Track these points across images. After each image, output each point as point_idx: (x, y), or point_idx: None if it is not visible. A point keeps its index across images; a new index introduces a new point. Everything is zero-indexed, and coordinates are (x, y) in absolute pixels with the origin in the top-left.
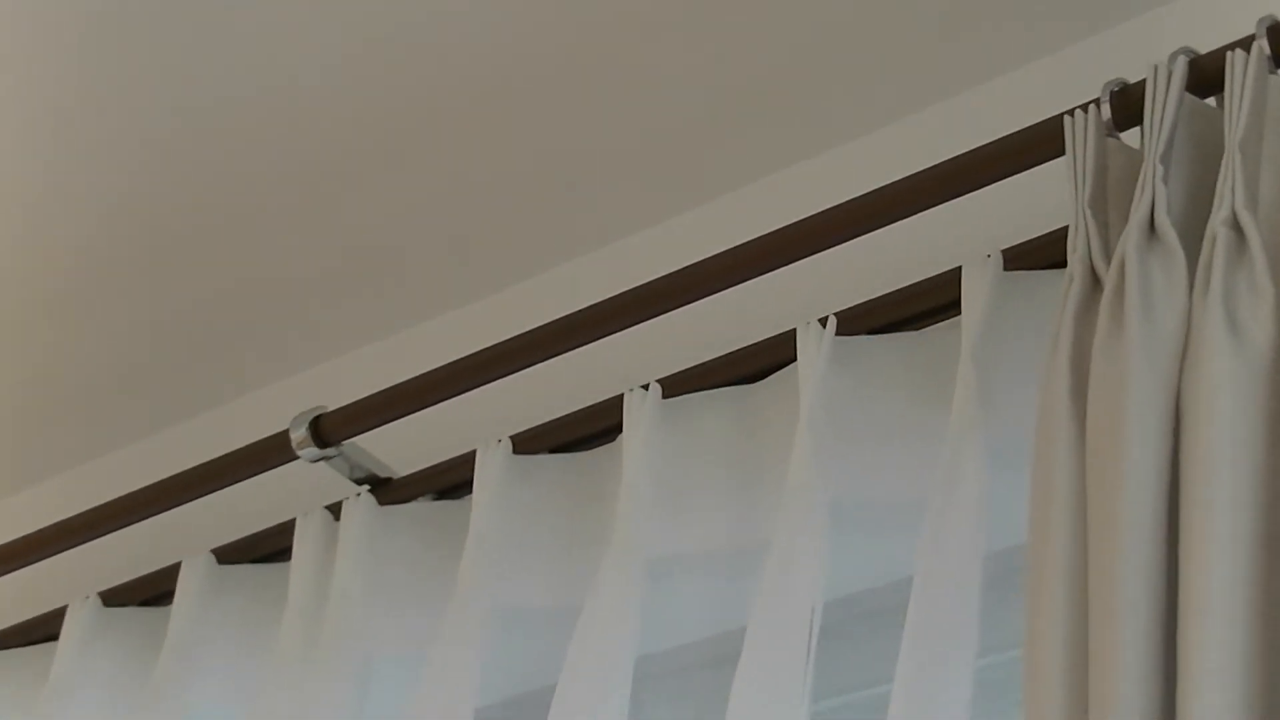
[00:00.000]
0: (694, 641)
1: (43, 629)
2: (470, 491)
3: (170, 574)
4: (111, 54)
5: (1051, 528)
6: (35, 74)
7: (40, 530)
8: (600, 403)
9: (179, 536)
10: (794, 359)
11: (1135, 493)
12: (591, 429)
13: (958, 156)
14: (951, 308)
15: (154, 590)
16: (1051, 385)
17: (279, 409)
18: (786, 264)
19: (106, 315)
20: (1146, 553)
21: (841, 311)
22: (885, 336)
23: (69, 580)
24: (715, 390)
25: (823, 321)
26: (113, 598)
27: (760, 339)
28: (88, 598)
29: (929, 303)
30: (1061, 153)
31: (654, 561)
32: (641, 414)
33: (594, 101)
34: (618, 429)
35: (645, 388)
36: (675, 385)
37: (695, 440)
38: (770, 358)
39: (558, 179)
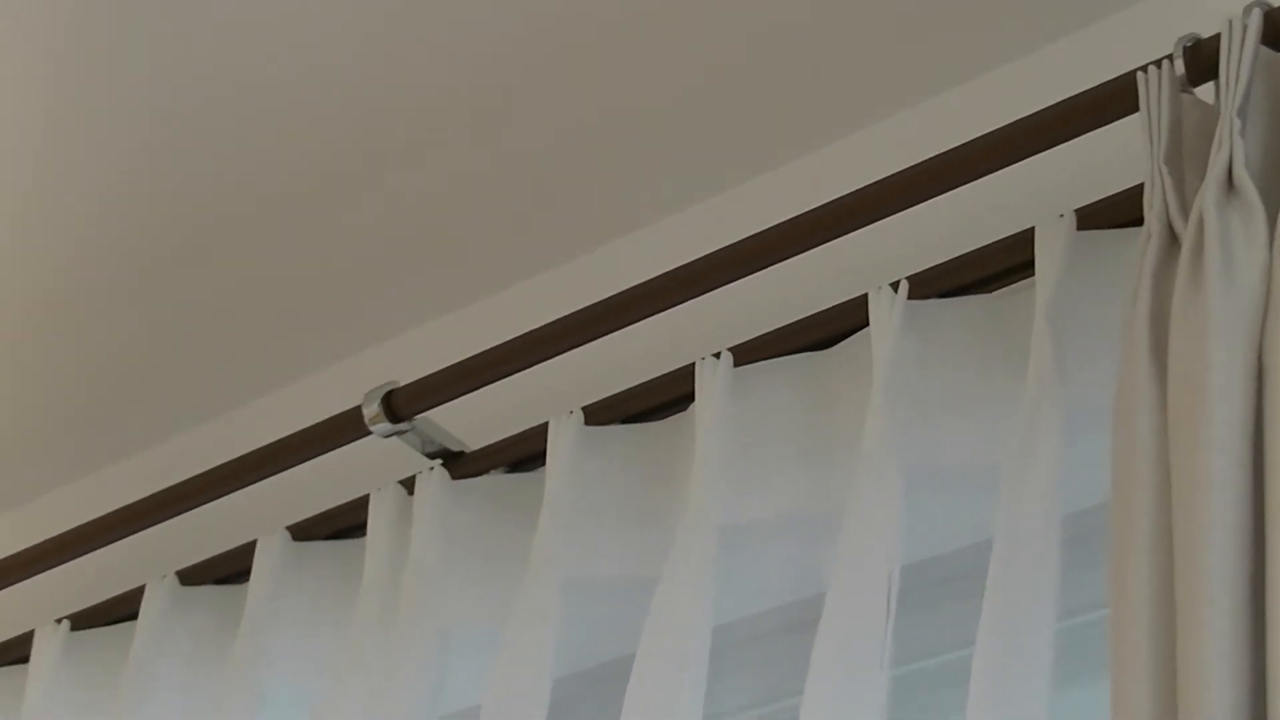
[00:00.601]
0: (770, 609)
1: (122, 608)
2: (542, 464)
3: (246, 552)
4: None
5: (1135, 489)
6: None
7: (118, 510)
8: (671, 372)
9: (254, 515)
10: (865, 324)
11: (1219, 451)
12: (663, 399)
13: (1030, 115)
14: (1025, 269)
15: (230, 569)
16: (1131, 345)
17: (351, 385)
18: (857, 228)
19: (181, 295)
20: (1232, 511)
21: (914, 275)
22: (958, 299)
23: (147, 560)
24: (787, 357)
25: (894, 286)
26: (190, 577)
27: (831, 305)
28: (165, 577)
29: (1002, 264)
30: (1135, 109)
31: (728, 530)
32: (713, 382)
33: (663, 65)
34: (689, 398)
35: (716, 356)
36: (746, 353)
37: (767, 408)
38: (841, 324)
39: (627, 147)
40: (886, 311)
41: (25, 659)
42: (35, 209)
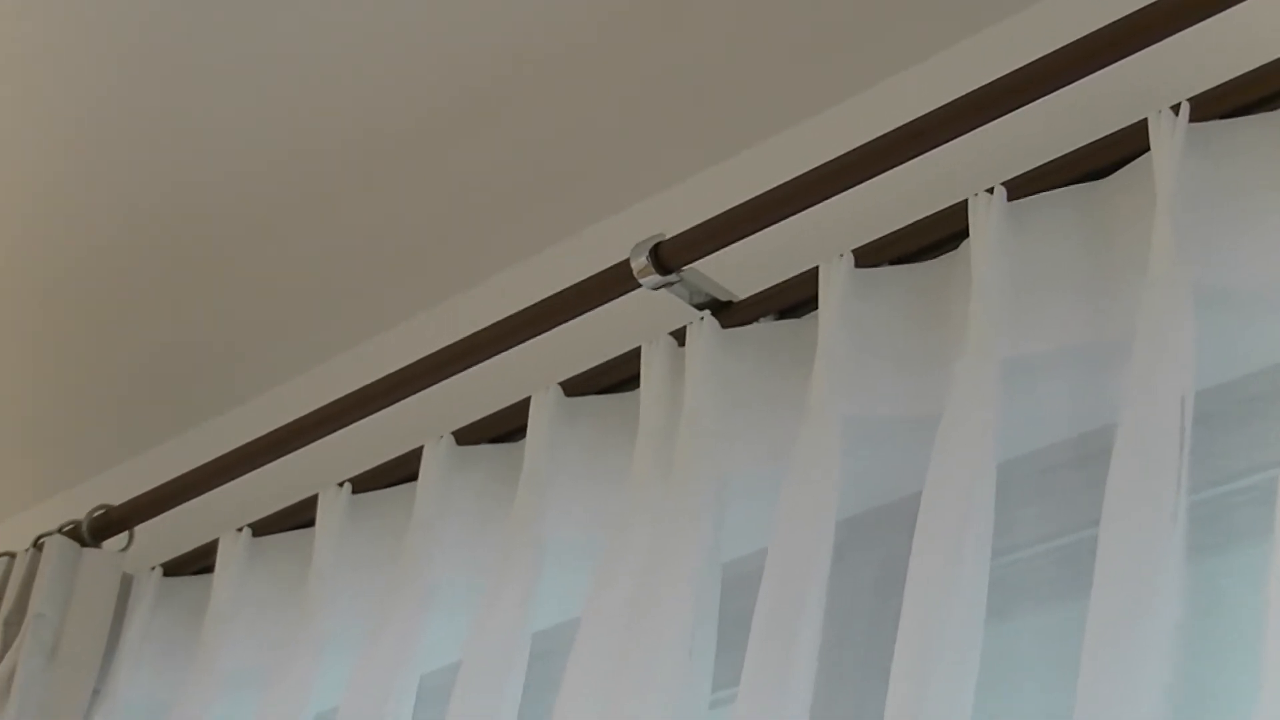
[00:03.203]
0: (1059, 441)
1: (401, 470)
2: (811, 309)
3: (521, 410)
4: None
5: None
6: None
7: (395, 373)
8: (942, 210)
9: (526, 373)
10: (1143, 151)
11: None
12: (934, 238)
13: None
14: None
15: (504, 427)
16: None
17: (618, 241)
18: (1135, 51)
19: (448, 166)
20: None
21: (1195, 97)
22: (1242, 120)
23: (423, 421)
24: (1062, 189)
25: (1175, 109)
26: (466, 436)
27: (1106, 133)
28: (441, 438)
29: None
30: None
31: (1010, 364)
32: (988, 217)
33: None
34: (960, 236)
35: (990, 191)
36: (1020, 187)
37: (1044, 239)
38: (1117, 152)
39: None
40: (1169, 134)
41: (311, 522)
42: None
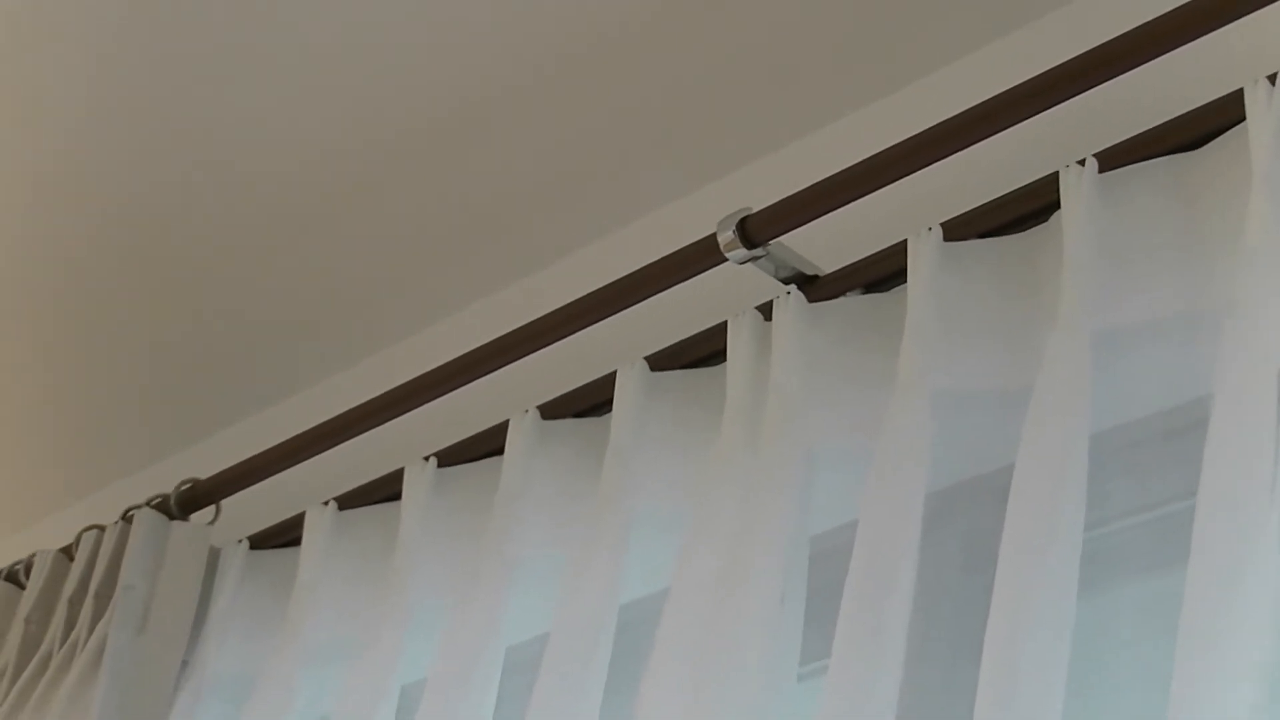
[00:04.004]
0: (1152, 414)
1: (486, 444)
2: (898, 283)
3: (607, 384)
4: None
5: None
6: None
7: (481, 347)
8: (1032, 183)
9: (610, 348)
10: (1237, 122)
11: None
12: (1023, 211)
13: None
14: None
15: (590, 401)
16: None
17: (704, 215)
18: (1228, 23)
19: (541, 133)
20: None
21: None
22: None
23: (508, 397)
24: (1154, 160)
25: (1271, 79)
26: (551, 411)
27: (1200, 104)
28: (527, 412)
29: None
30: None
31: (1101, 335)
32: (1079, 189)
33: None
34: (1050, 209)
35: (1081, 163)
36: (1112, 159)
37: (1136, 211)
38: (1211, 123)
39: None
40: (1264, 103)
41: (396, 496)
42: None
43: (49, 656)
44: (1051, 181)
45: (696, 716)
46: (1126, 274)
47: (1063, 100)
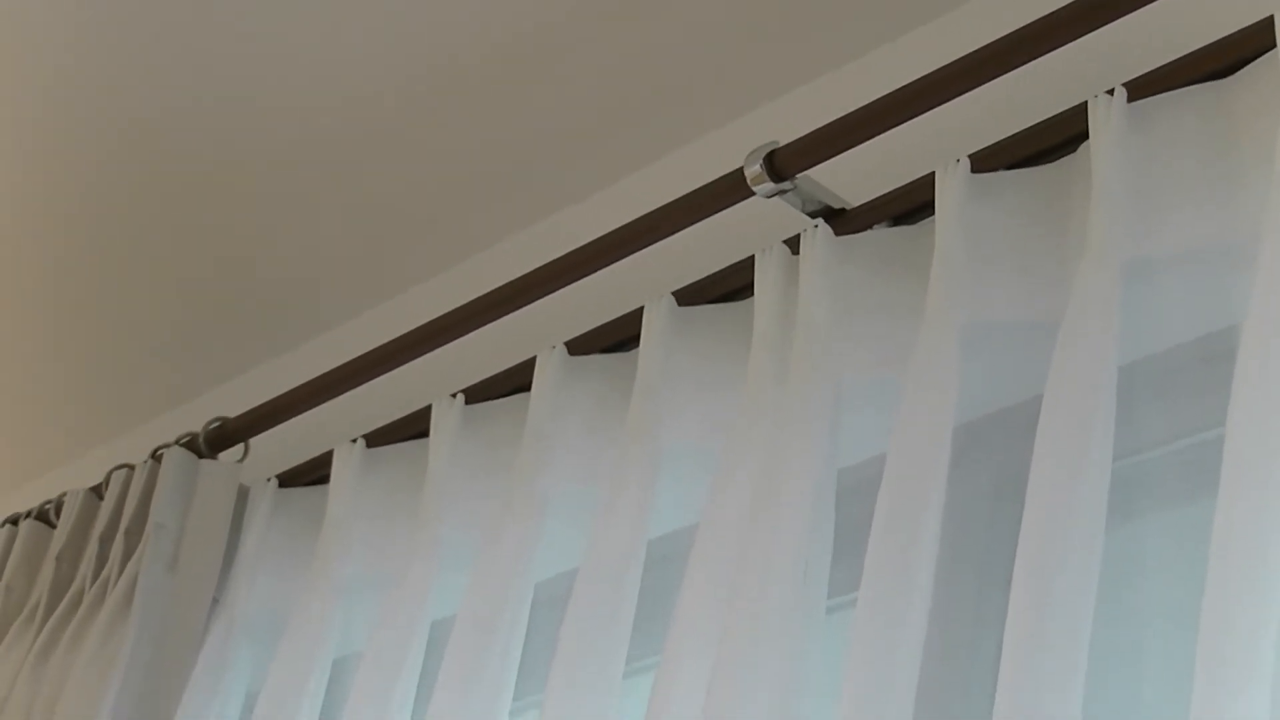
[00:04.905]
0: (1183, 343)
1: (513, 380)
2: (925, 216)
3: (634, 319)
4: None
5: None
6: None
7: (507, 284)
8: (1061, 113)
9: (638, 282)
10: (1268, 49)
11: None
12: (1051, 141)
13: None
14: None
15: (617, 336)
16: None
17: (732, 150)
18: None
19: (566, 76)
20: None
21: None
22: None
23: (535, 334)
24: (1184, 89)
25: None
26: (578, 346)
27: (1230, 32)
28: (554, 348)
29: None
30: None
31: (1132, 265)
32: (1108, 119)
33: None
34: (1078, 139)
35: (1110, 93)
36: (1141, 88)
37: (1166, 140)
38: (1241, 51)
39: None
40: None
41: (424, 433)
42: None
43: (80, 595)
44: (1080, 112)
45: (727, 650)
46: (1156, 204)
47: (1091, 30)
